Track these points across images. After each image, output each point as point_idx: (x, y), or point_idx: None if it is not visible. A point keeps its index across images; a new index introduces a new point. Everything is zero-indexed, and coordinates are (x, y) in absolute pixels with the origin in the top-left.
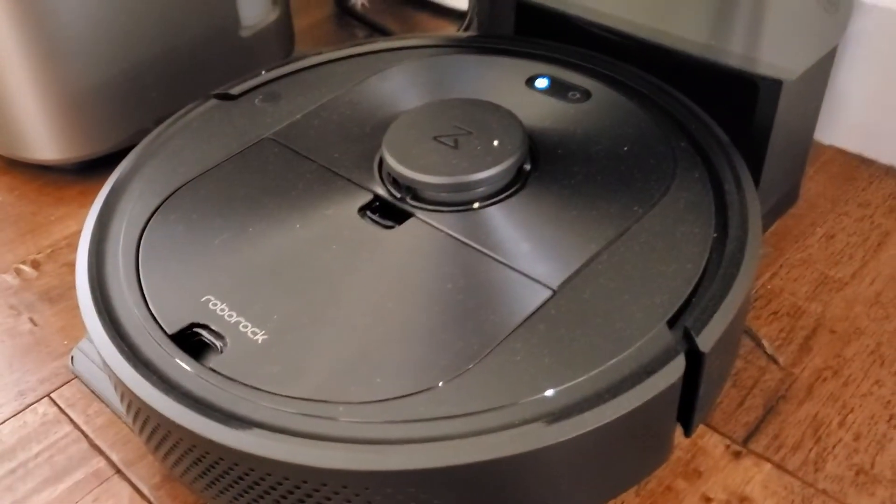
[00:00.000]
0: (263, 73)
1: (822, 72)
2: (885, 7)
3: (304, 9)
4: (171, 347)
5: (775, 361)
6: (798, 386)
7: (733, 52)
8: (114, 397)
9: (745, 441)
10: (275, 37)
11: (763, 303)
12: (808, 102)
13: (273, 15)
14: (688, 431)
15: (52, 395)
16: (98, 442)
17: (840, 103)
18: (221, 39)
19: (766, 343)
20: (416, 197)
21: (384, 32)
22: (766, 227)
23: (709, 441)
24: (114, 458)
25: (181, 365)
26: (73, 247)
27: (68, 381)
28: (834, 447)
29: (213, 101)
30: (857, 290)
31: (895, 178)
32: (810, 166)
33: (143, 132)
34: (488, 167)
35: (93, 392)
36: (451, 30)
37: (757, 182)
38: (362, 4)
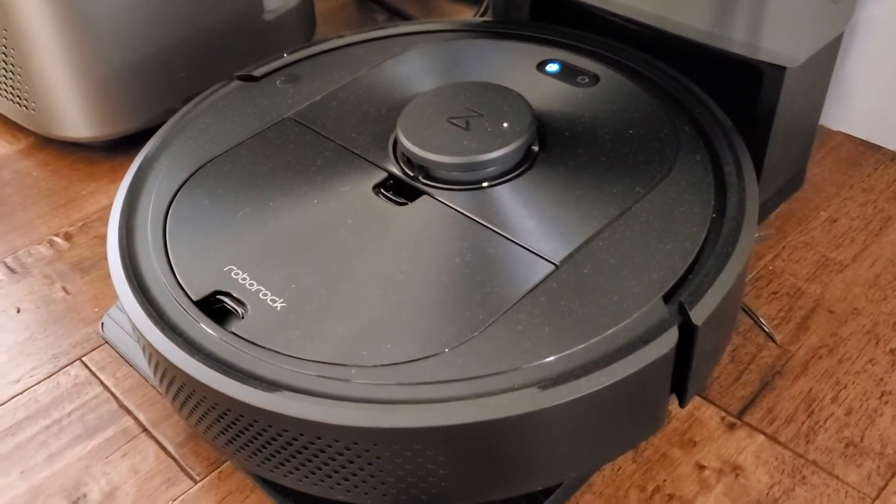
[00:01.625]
0: (285, 55)
1: (827, 59)
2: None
3: None
4: (196, 313)
5: (772, 339)
6: (794, 363)
7: (738, 39)
8: (141, 361)
9: (740, 414)
10: (297, 20)
11: (764, 283)
12: (812, 89)
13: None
14: (682, 402)
15: (83, 358)
16: (126, 403)
17: (848, 90)
18: (246, 23)
19: (763, 321)
20: (429, 176)
21: (403, 16)
22: (770, 210)
23: (705, 413)
24: (141, 417)
25: (205, 329)
26: (103, 220)
27: (98, 346)
28: (825, 421)
29: (237, 83)
30: (857, 273)
31: None
32: (817, 151)
33: (171, 111)
34: (497, 148)
35: (121, 356)
36: (468, 15)
37: (760, 166)
38: None
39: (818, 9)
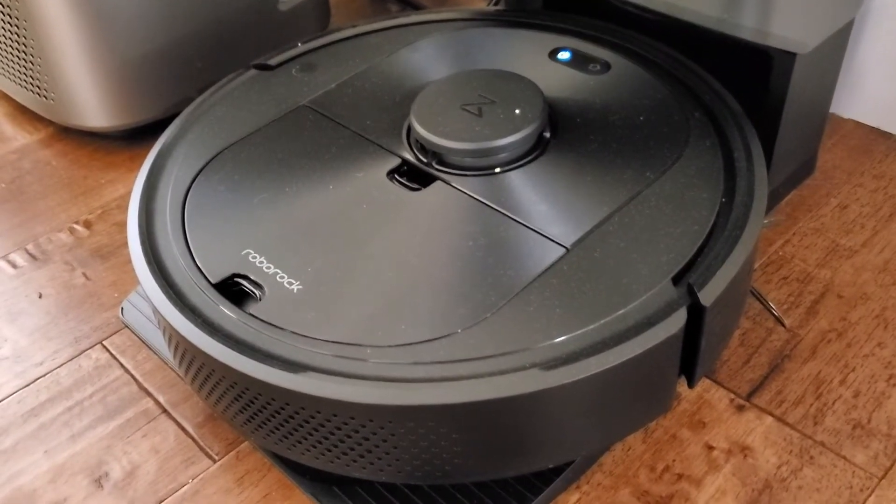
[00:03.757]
0: (300, 44)
1: (837, 45)
2: None
3: None
4: (214, 295)
5: (781, 323)
6: (803, 346)
7: (748, 25)
8: (161, 344)
9: (749, 396)
10: (312, 10)
11: (774, 268)
12: (823, 75)
13: None
14: (691, 383)
15: (104, 342)
16: (146, 385)
17: (859, 77)
18: (261, 13)
19: (772, 305)
20: (442, 162)
21: (416, 6)
22: (781, 197)
23: (714, 395)
24: (161, 399)
25: (224, 311)
26: (122, 208)
27: (119, 331)
28: (834, 403)
29: (253, 71)
30: (867, 258)
31: None
32: (828, 139)
33: (188, 101)
34: (509, 134)
35: (141, 340)
36: (481, 3)
37: (770, 152)
38: None
39: None
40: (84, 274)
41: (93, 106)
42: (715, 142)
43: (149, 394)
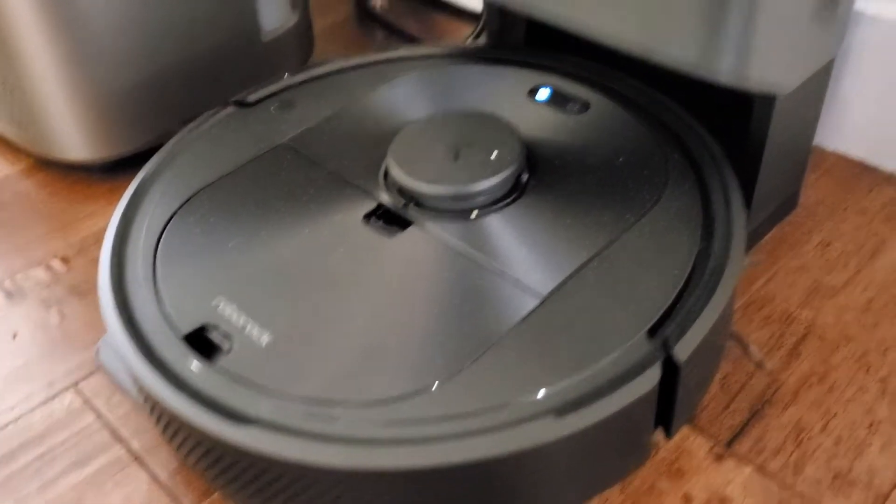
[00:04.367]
0: (279, 81)
1: (818, 84)
2: (887, 19)
3: (323, 10)
4: (183, 347)
5: (762, 367)
6: (784, 391)
7: (725, 71)
8: (134, 388)
9: (729, 443)
10: (294, 40)
11: (756, 308)
12: (804, 114)
13: (293, 20)
14: (668, 434)
15: (79, 384)
16: (120, 431)
17: (844, 110)
18: (243, 45)
19: (753, 348)
20: (419, 205)
21: (403, 34)
22: (763, 234)
23: (693, 442)
24: (134, 445)
25: (191, 364)
26: (100, 243)
27: (93, 373)
28: (814, 451)
29: (231, 108)
30: (850, 298)
31: (895, 186)
32: (812, 173)
33: (170, 133)
34: (485, 178)
35: (115, 383)
36: (469, 30)
37: (752, 192)
38: (381, 6)
39: (807, 38)
40: (60, 312)
41: (72, 138)
42: (694, 185)
43: (122, 440)
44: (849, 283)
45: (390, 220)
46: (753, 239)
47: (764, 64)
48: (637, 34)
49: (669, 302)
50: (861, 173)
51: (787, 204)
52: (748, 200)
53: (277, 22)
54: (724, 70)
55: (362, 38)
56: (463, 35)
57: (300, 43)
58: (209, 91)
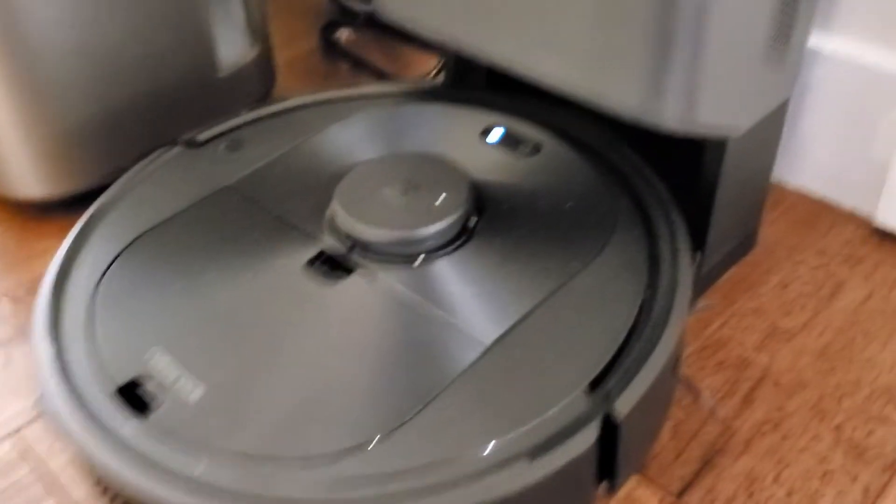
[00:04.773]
0: (231, 119)
1: (773, 124)
2: (842, 59)
3: (287, 43)
4: (115, 401)
5: (714, 414)
6: (737, 439)
7: (672, 118)
8: None
9: (680, 494)
10: (255, 74)
11: (710, 352)
12: (759, 154)
13: (252, 54)
14: (612, 488)
15: (21, 431)
16: (54, 483)
17: (804, 147)
18: (200, 80)
19: (705, 395)
20: (364, 249)
21: (368, 66)
22: (720, 274)
23: (643, 493)
24: (70, 498)
25: (123, 420)
26: None
27: (35, 419)
28: (766, 502)
29: (180, 148)
30: (806, 342)
31: (855, 224)
32: (772, 210)
33: (124, 169)
34: (431, 223)
35: (57, 430)
36: (429, 64)
37: (706, 232)
38: (346, 39)
39: (757, 80)
40: (6, 355)
41: (25, 176)
42: (641, 232)
43: (60, 491)
44: (806, 327)
45: (333, 265)
46: (710, 279)
47: (711, 109)
48: (580, 79)
49: (611, 355)
50: (821, 211)
51: (745, 243)
52: (702, 241)
53: (236, 56)
54: (668, 117)
55: (327, 71)
56: (430, 67)
57: (260, 77)
58: (165, 127)
